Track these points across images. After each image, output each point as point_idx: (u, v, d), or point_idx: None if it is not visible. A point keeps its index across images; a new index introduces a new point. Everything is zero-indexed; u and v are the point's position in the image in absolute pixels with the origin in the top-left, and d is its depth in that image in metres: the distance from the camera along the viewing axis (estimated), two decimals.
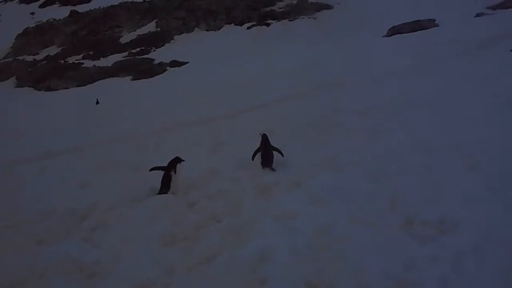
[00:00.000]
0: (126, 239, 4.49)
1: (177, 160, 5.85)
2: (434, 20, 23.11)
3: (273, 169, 5.91)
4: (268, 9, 35.15)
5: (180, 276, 3.72)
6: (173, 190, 5.72)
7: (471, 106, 7.38)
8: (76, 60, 32.06)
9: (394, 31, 22.81)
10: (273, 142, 6.20)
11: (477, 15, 23.45)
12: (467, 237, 3.58)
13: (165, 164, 5.87)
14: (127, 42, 34.44)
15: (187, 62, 27.52)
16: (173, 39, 34.04)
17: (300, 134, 7.44)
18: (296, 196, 4.88)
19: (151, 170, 5.93)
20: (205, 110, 11.80)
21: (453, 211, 4.00)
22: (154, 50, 32.24)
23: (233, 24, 34.18)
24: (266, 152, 6.02)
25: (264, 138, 6.11)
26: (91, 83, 26.95)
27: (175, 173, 5.75)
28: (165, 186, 5.73)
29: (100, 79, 27.34)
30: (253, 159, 6.09)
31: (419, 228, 3.88)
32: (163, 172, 5.82)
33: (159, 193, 5.68)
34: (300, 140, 7.10)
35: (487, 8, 25.34)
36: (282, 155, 6.03)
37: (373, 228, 3.94)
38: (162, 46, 32.96)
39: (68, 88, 27.15)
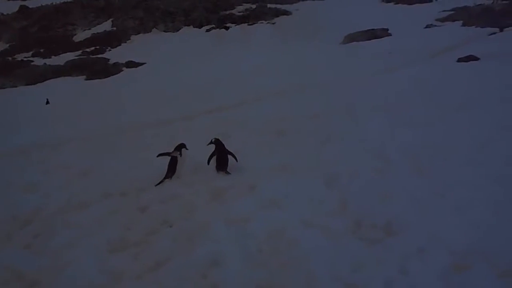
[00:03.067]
0: (72, 246, 4.30)
1: (182, 145, 5.98)
2: (387, 29, 23.98)
3: (228, 173, 5.88)
4: (228, 12, 35.16)
5: (128, 283, 3.61)
6: (178, 175, 5.87)
7: (419, 113, 7.70)
8: (25, 57, 30.58)
9: (349, 38, 23.46)
10: (229, 146, 6.17)
11: (427, 26, 24.57)
12: (412, 239, 3.71)
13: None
14: (81, 41, 33.26)
15: (144, 63, 26.95)
16: (129, 39, 33.24)
17: (256, 138, 7.47)
18: (249, 201, 4.87)
19: (158, 156, 6.02)
20: (161, 112, 11.59)
21: (400, 214, 4.13)
22: (110, 50, 31.33)
23: (191, 26, 33.87)
24: (221, 156, 5.97)
25: (217, 142, 6.05)
26: (41, 82, 25.72)
27: (180, 155, 5.89)
28: (171, 170, 5.85)
29: (51, 78, 26.19)
30: (208, 163, 6.03)
31: (367, 231, 3.98)
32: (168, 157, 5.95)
33: (164, 178, 5.80)
34: (255, 144, 7.12)
35: (436, 20, 26.58)
36: (236, 160, 6.01)
37: (324, 232, 4.00)
38: (118, 46, 32.09)
39: (16, 87, 25.78)
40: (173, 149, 6.00)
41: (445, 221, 3.95)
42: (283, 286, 3.36)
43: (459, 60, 13.14)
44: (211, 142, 6.07)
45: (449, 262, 3.38)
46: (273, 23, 32.75)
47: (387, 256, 3.52)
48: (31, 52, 31.63)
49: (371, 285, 3.21)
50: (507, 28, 19.56)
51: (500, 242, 3.52)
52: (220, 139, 6.13)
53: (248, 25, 32.77)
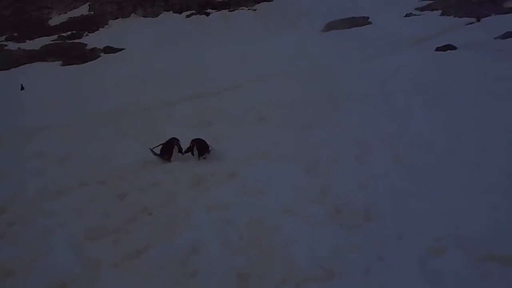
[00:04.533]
0: (48, 234, 4.19)
1: (175, 141, 5.98)
2: (368, 18, 24.11)
3: (208, 152, 5.82)
4: None
5: (106, 271, 3.55)
6: (173, 159, 5.89)
7: (398, 101, 7.79)
8: None
9: (330, 26, 23.51)
10: (209, 134, 6.14)
11: (406, 15, 24.82)
12: (389, 225, 3.76)
13: None
14: (56, 25, 32.41)
15: (123, 49, 26.46)
16: (107, 24, 32.58)
17: (236, 125, 7.43)
18: (230, 188, 4.86)
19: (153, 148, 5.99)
20: (140, 99, 11.42)
21: (378, 200, 4.19)
22: (87, 35, 30.66)
23: (171, 12, 33.36)
24: (199, 143, 5.92)
25: (195, 139, 5.95)
26: (15, 67, 25.01)
27: (176, 146, 5.93)
28: (167, 154, 5.89)
29: (26, 63, 25.45)
30: (189, 152, 5.95)
31: (346, 218, 4.02)
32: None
33: (159, 156, 5.85)
34: (236, 131, 7.08)
35: (415, 9, 26.86)
36: (212, 148, 5.93)
37: (304, 218, 4.02)
38: (95, 31, 31.42)
39: None
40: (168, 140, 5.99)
41: (422, 208, 4.03)
42: (263, 272, 3.37)
43: (438, 49, 13.34)
44: (189, 147, 5.93)
45: (425, 247, 3.45)
46: (254, 10, 32.54)
47: (366, 242, 3.57)
48: (4, 36, 30.66)
49: (350, 270, 3.24)
50: (483, 18, 19.90)
51: (475, 228, 3.60)
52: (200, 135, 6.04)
53: (229, 11, 32.47)
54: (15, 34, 30.82)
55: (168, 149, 5.93)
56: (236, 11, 32.45)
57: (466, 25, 19.24)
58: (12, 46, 28.52)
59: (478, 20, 19.89)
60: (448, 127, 6.12)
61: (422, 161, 5.09)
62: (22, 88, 17.51)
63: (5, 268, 3.72)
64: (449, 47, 13.22)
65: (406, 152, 5.43)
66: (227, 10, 32.73)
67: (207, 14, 32.16)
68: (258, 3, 33.29)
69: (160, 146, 5.95)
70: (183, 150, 5.92)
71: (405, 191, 4.42)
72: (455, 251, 3.33)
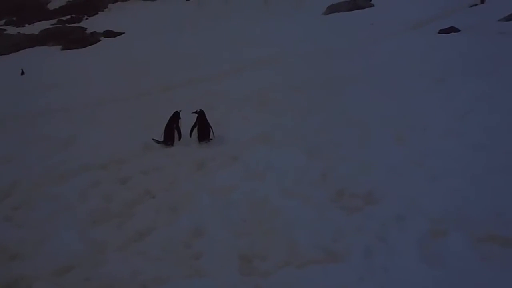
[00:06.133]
0: (53, 218, 4.25)
1: (177, 115, 6.05)
2: (370, 0, 23.79)
3: (210, 139, 5.87)
4: None
5: (111, 254, 3.60)
6: (177, 142, 5.99)
7: (400, 84, 7.76)
8: None
9: (332, 9, 23.21)
10: (211, 117, 6.13)
11: None
12: (391, 207, 3.78)
13: None
14: (55, 9, 32.11)
15: (123, 33, 26.23)
16: (107, 7, 32.25)
17: (237, 109, 7.44)
18: (232, 171, 4.90)
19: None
20: (141, 83, 11.39)
21: (379, 183, 4.21)
22: (87, 19, 30.39)
23: None
24: (202, 126, 5.94)
25: (201, 113, 6.01)
26: (15, 52, 24.83)
27: (177, 125, 5.98)
28: (170, 139, 5.94)
29: (25, 48, 25.28)
30: (190, 135, 5.99)
31: (348, 200, 4.05)
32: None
33: (163, 143, 5.89)
34: (238, 115, 7.09)
35: None
36: (213, 135, 5.95)
37: (306, 201, 4.05)
38: (95, 14, 31.14)
39: None
40: (169, 119, 6.02)
41: (423, 190, 4.04)
42: (266, 254, 3.41)
43: (440, 31, 13.19)
44: (196, 112, 6.01)
45: (426, 229, 3.47)
46: None
47: (367, 224, 3.59)
48: (3, 21, 30.44)
49: (352, 252, 3.28)
50: (487, 0, 19.62)
51: (476, 210, 3.62)
52: (203, 110, 6.08)
53: None
54: (14, 19, 30.58)
55: (170, 134, 5.96)
56: None
57: (470, 7, 18.96)
58: (12, 30, 28.31)
59: (482, 2, 19.60)
60: (450, 109, 6.10)
61: (424, 143, 5.10)
62: (23, 73, 17.43)
63: (11, 251, 3.78)
64: (452, 30, 13.06)
65: (408, 134, 5.43)
66: None
67: None
68: None
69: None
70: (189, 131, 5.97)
71: (406, 173, 4.43)
72: (456, 232, 3.36)
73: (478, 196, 3.82)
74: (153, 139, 5.96)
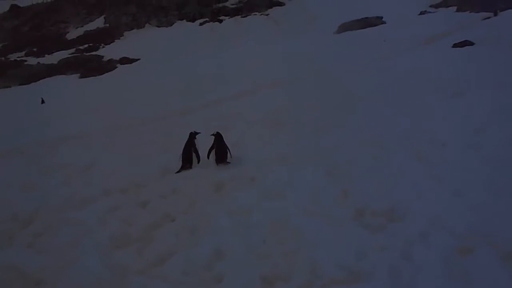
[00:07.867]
0: (74, 243, 4.27)
1: (193, 135, 6.09)
2: (382, 17, 23.93)
3: (227, 163, 5.88)
4: (221, 5, 35.04)
5: (132, 278, 3.60)
6: (195, 164, 6.01)
7: (416, 99, 7.70)
8: (19, 57, 30.46)
9: (344, 28, 23.40)
10: (227, 139, 6.16)
11: (421, 13, 24.53)
12: (414, 224, 3.71)
13: None
14: (73, 38, 33.14)
15: (138, 59, 26.86)
16: (123, 35, 33.14)
17: (254, 130, 7.46)
18: (251, 192, 4.87)
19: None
20: (157, 107, 11.57)
21: (401, 200, 4.14)
22: (103, 47, 31.24)
23: (185, 20, 33.77)
24: (220, 149, 5.96)
25: (218, 136, 6.05)
26: (35, 81, 25.61)
27: (195, 147, 6.02)
28: (188, 162, 5.97)
29: (45, 77, 26.03)
30: (208, 157, 6.02)
31: (369, 218, 3.99)
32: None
33: (182, 169, 5.90)
34: (254, 136, 7.11)
35: (430, 6, 26.57)
36: (231, 156, 5.97)
37: (326, 220, 4.00)
38: (111, 42, 32.00)
39: (10, 87, 25.67)
40: (186, 142, 6.06)
41: (446, 205, 3.96)
42: (288, 276, 3.37)
43: (455, 45, 13.14)
44: (213, 134, 6.06)
45: (452, 246, 3.39)
46: (267, 15, 32.67)
47: (391, 242, 3.52)
48: (24, 52, 31.49)
49: (376, 271, 3.21)
50: (501, 12, 19.52)
51: (500, 224, 3.53)
52: (220, 133, 6.12)
53: (242, 17, 32.69)
54: (34, 49, 31.62)
55: (188, 157, 6.00)
56: (248, 16, 32.64)
57: (483, 20, 18.90)
58: (32, 61, 29.27)
59: (496, 15, 19.51)
60: (467, 124, 6.01)
61: (443, 158, 5.02)
62: (43, 102, 17.91)
63: (34, 278, 3.80)
64: (466, 43, 13.00)
65: (427, 149, 5.36)
66: (240, 16, 32.96)
67: (220, 21, 32.44)
68: (270, 8, 33.44)
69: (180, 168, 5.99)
70: (207, 153, 6.00)
71: (428, 189, 4.35)
72: (482, 248, 3.27)
73: (503, 211, 3.73)
74: (176, 173, 5.97)
